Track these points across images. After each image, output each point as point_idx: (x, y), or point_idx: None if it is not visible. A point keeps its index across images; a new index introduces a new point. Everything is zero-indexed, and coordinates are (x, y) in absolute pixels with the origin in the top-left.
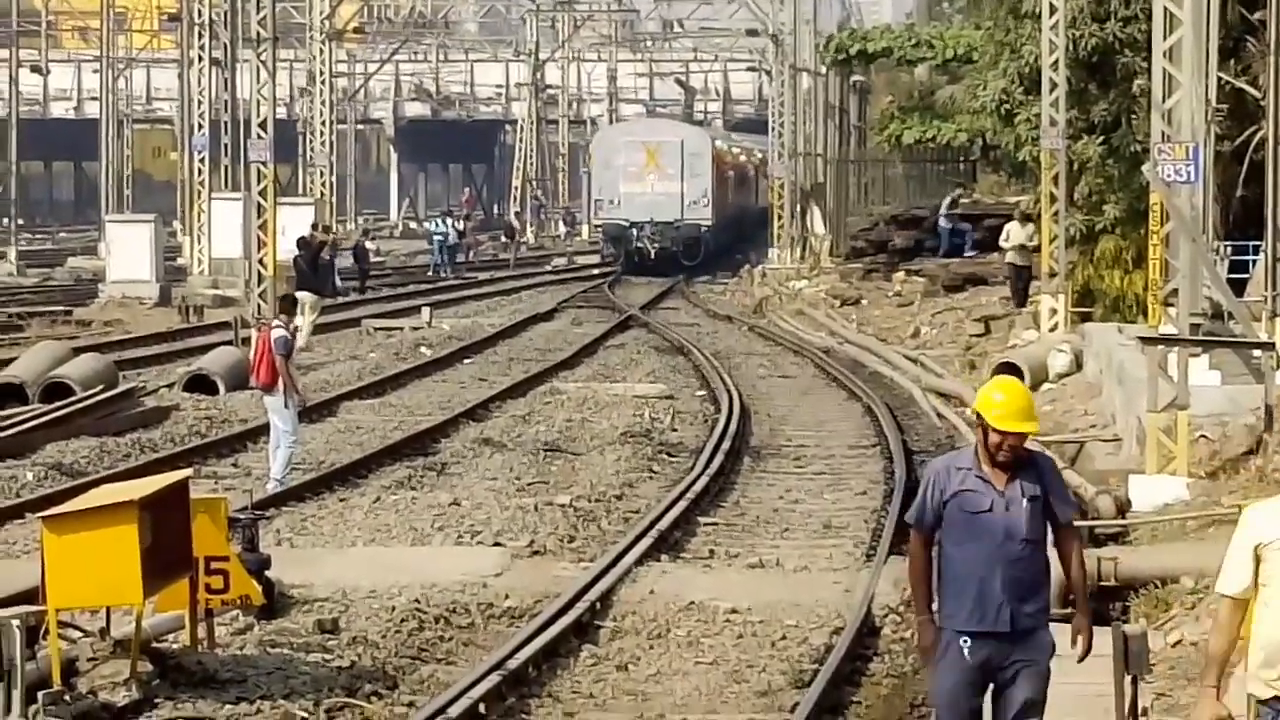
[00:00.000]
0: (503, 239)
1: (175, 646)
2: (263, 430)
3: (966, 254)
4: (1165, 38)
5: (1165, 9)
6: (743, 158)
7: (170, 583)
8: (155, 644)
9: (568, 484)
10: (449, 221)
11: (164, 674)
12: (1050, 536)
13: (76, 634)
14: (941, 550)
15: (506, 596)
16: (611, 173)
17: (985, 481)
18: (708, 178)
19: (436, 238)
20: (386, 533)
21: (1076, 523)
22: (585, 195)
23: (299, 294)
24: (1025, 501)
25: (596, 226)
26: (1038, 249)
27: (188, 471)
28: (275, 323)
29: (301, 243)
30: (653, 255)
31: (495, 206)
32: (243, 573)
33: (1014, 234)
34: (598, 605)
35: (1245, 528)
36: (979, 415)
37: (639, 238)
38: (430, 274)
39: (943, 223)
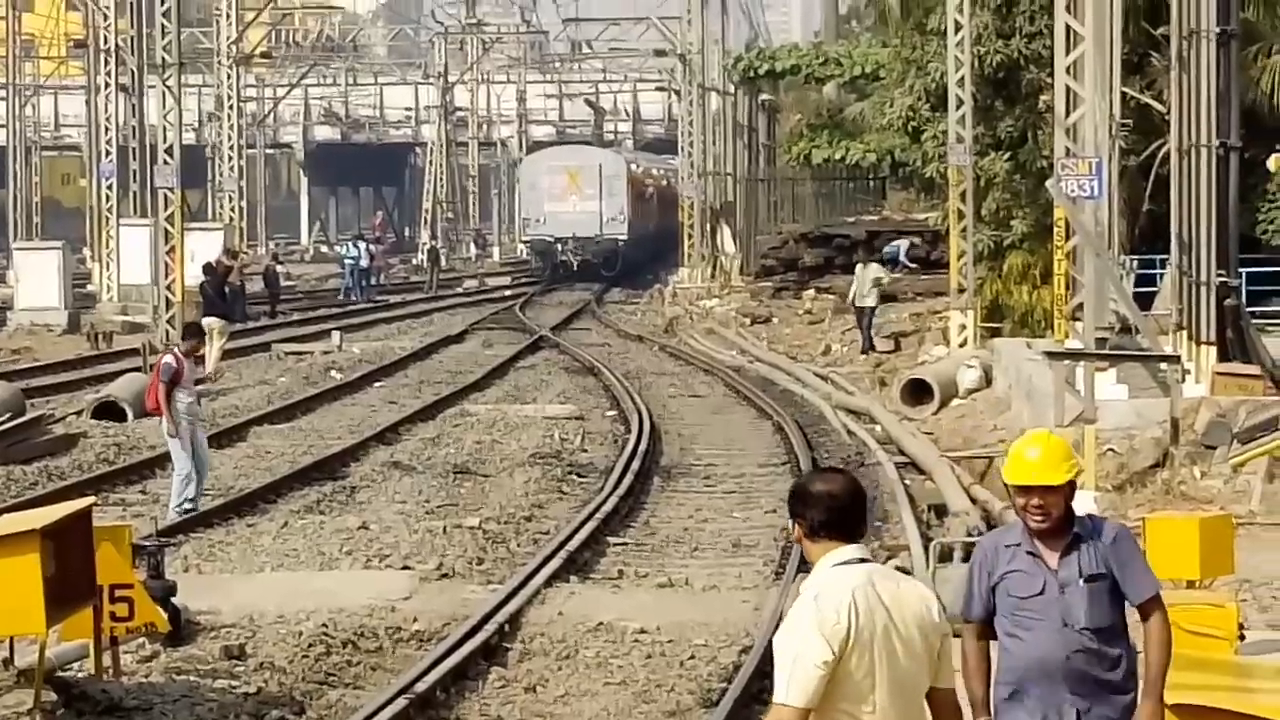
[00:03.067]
0: (425, 263)
1: (80, 675)
2: (169, 457)
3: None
4: (1067, 53)
5: (1066, 25)
6: (665, 180)
7: (74, 611)
8: (60, 673)
9: (477, 506)
10: (361, 245)
11: (69, 703)
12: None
13: None
14: (998, 641)
15: (415, 620)
16: (537, 194)
17: (1036, 559)
18: (623, 197)
19: (348, 261)
20: (294, 557)
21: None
22: (496, 217)
23: (206, 320)
24: (1081, 582)
25: (524, 242)
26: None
27: (90, 499)
28: (177, 348)
29: (208, 269)
30: (575, 267)
31: (406, 229)
32: (147, 600)
33: (859, 276)
34: (506, 627)
35: None
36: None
37: (563, 251)
38: (341, 298)
39: (889, 250)
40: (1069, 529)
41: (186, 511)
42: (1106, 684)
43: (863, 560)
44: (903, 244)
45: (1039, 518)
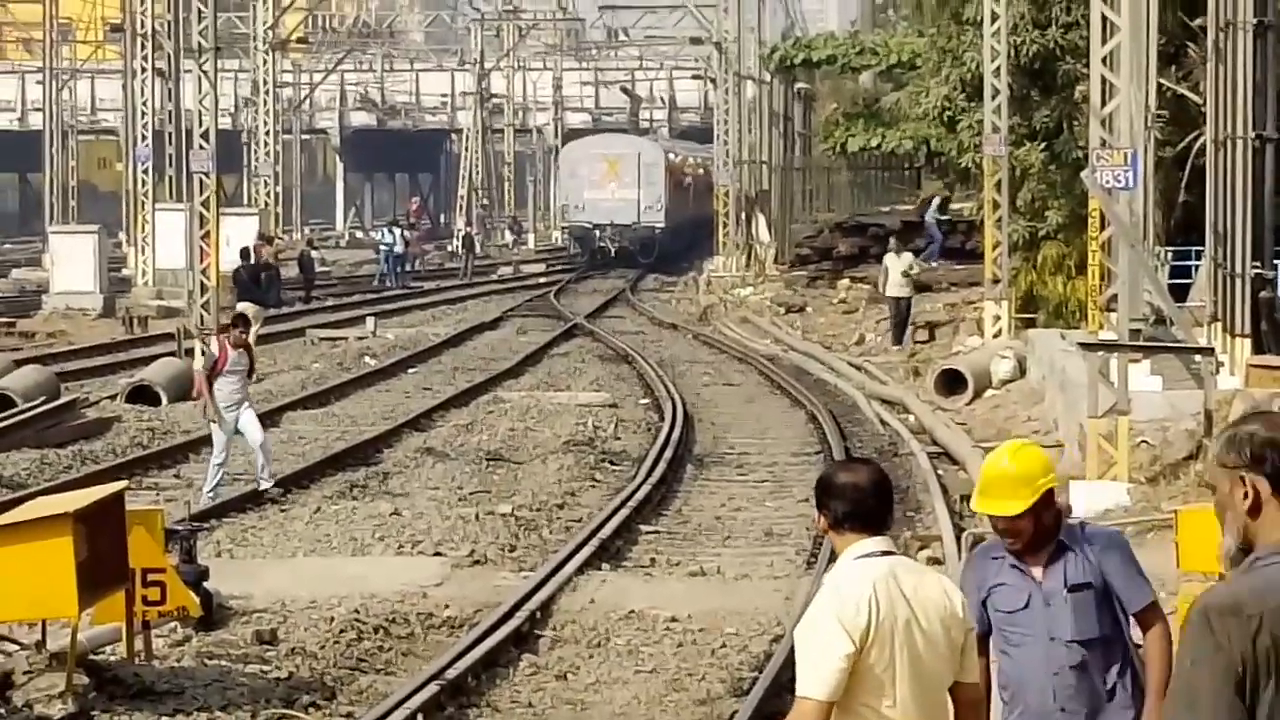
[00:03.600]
0: (460, 249)
1: (112, 659)
2: (205, 441)
3: (933, 262)
4: (1103, 44)
5: (1103, 16)
6: (702, 169)
7: (106, 595)
8: (92, 656)
9: (509, 493)
10: (396, 231)
11: (100, 686)
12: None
13: (12, 647)
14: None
15: (446, 606)
16: (577, 181)
17: (1021, 572)
18: (661, 186)
19: (383, 247)
20: (327, 543)
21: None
22: (531, 204)
23: (240, 305)
24: (1066, 593)
25: (563, 228)
26: (918, 279)
27: (124, 483)
28: (227, 338)
29: (244, 254)
30: (613, 253)
31: (442, 216)
32: (179, 584)
33: (891, 266)
34: (538, 614)
35: None
36: None
37: (601, 238)
38: (376, 284)
39: (929, 219)
40: (1053, 538)
41: (270, 480)
42: (1104, 701)
43: (886, 553)
44: (935, 200)
45: (1010, 541)
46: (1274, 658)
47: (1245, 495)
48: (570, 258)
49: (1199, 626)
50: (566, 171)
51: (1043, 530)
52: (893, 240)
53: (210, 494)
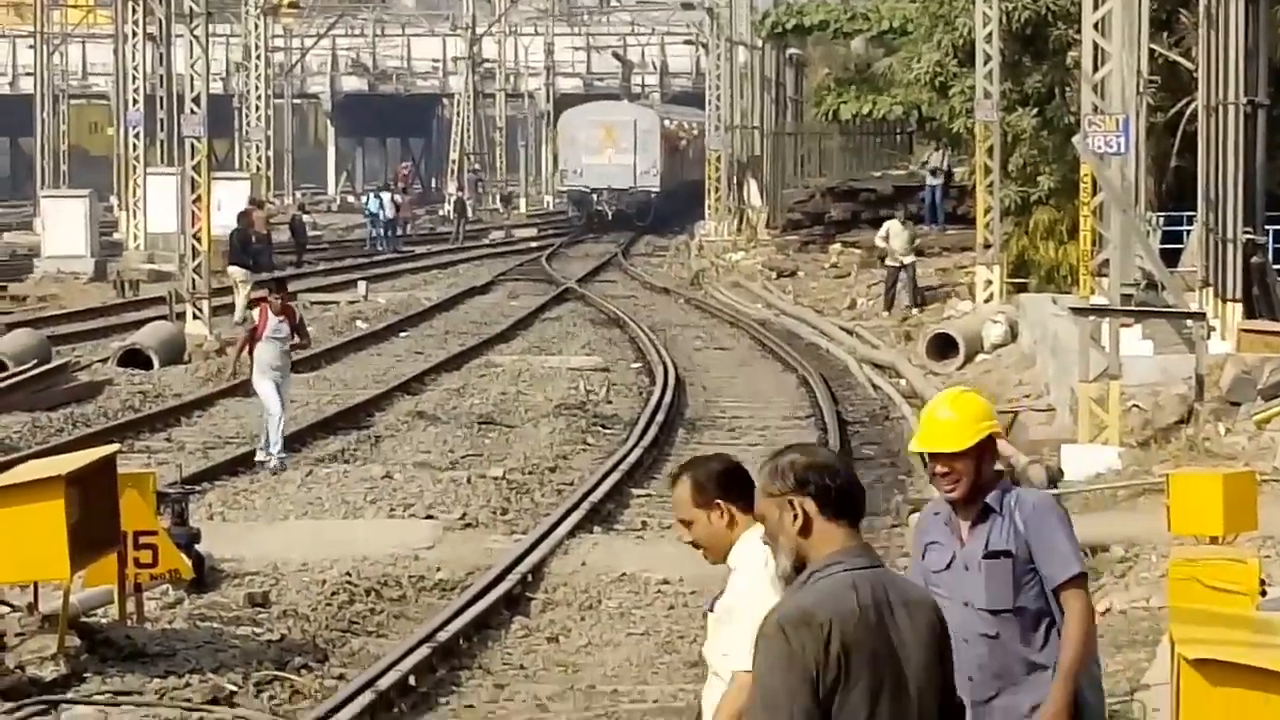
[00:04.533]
0: (452, 214)
1: (104, 621)
2: (195, 405)
3: (924, 226)
4: (1095, 9)
5: None
6: (695, 134)
7: (98, 557)
8: (84, 618)
9: (501, 456)
10: (385, 196)
11: (92, 648)
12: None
13: (4, 609)
14: None
15: (438, 569)
16: (575, 147)
17: (950, 531)
18: (656, 151)
19: (370, 213)
20: (319, 506)
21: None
22: (522, 169)
23: (230, 270)
24: (981, 559)
25: (562, 192)
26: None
27: (115, 446)
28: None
29: (242, 217)
30: (610, 216)
31: (434, 181)
32: (171, 547)
33: (894, 233)
34: (529, 577)
35: None
36: None
37: (599, 201)
38: (367, 248)
39: (931, 180)
40: (982, 498)
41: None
42: (1020, 675)
43: None
44: (928, 159)
45: (947, 486)
46: (845, 661)
47: (795, 517)
48: (562, 222)
49: (774, 638)
50: (565, 137)
51: (981, 481)
52: (900, 211)
53: (275, 446)
